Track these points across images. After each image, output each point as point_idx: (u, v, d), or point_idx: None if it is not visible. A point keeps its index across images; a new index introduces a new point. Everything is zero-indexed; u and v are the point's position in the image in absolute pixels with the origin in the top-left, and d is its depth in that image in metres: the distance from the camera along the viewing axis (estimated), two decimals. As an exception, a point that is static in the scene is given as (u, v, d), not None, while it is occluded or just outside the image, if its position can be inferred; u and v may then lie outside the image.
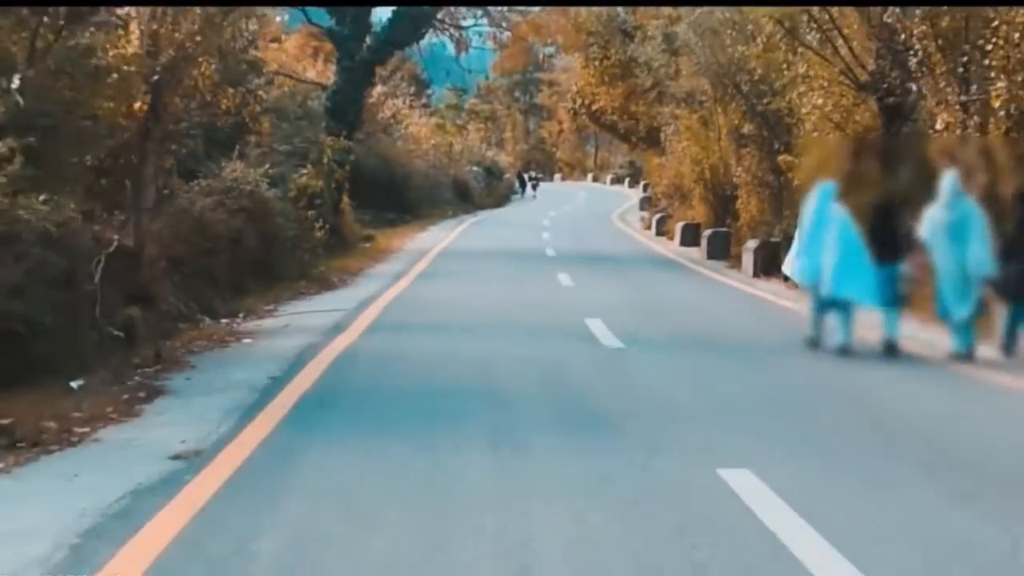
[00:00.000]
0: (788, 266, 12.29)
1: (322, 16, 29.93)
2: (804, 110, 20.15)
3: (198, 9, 13.98)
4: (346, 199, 28.78)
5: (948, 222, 10.81)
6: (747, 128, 26.16)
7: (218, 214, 16.97)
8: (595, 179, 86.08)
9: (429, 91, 69.06)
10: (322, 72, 34.76)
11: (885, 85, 17.54)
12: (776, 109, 23.19)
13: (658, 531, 5.45)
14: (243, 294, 16.50)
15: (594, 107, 42.14)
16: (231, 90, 15.61)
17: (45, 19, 10.68)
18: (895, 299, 11.08)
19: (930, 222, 10.95)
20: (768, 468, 6.44)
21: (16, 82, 7.91)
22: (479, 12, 33.86)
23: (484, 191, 57.57)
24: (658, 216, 37.54)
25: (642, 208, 47.47)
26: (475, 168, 58.45)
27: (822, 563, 4.96)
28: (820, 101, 19.43)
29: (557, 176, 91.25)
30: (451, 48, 36.13)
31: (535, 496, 6.03)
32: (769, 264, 21.05)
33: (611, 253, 28.95)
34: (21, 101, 7.92)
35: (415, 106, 51.57)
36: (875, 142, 17.47)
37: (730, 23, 24.30)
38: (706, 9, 25.63)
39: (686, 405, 8.79)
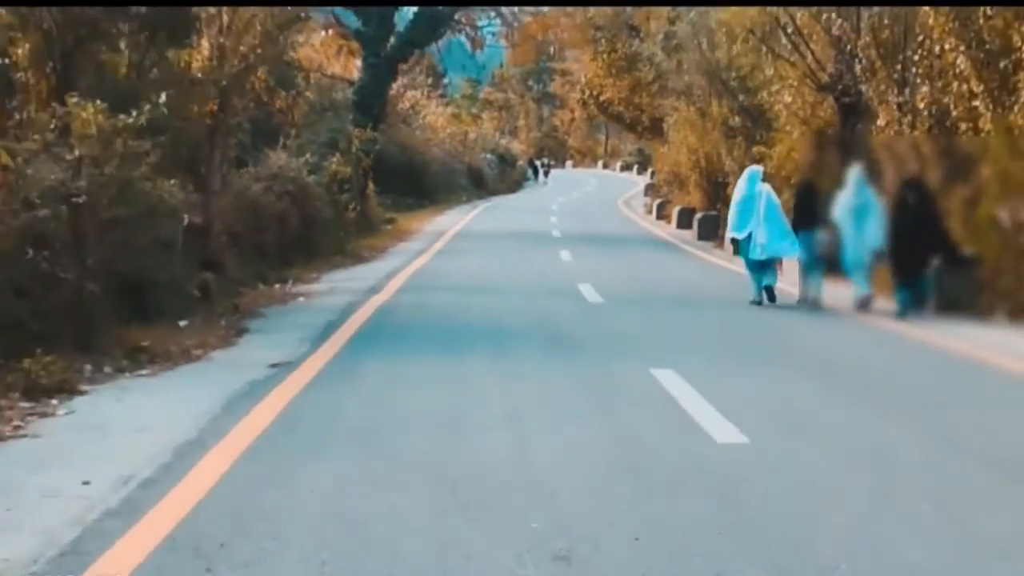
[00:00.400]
0: (728, 232, 15.30)
1: (350, 17, 32.77)
2: (777, 107, 23.02)
3: (259, 25, 16.90)
4: (370, 184, 31.71)
5: (853, 206, 13.78)
6: (734, 121, 28.98)
7: (267, 197, 19.92)
8: (605, 166, 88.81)
9: (445, 81, 71.76)
10: (345, 66, 37.58)
11: (841, 86, 20.35)
12: (757, 104, 26.05)
13: (603, 400, 8.36)
14: (289, 265, 19.42)
15: (602, 98, 44.83)
16: (283, 92, 18.52)
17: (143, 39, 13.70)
18: (814, 259, 14.10)
19: (839, 205, 13.94)
20: (685, 368, 9.34)
21: (163, 97, 10.79)
22: (492, 13, 36.68)
23: (497, 177, 60.36)
24: (659, 201, 40.34)
25: (646, 194, 50.17)
26: (489, 156, 61.24)
27: (708, 420, 7.69)
28: (789, 99, 22.29)
29: (569, 163, 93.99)
30: (467, 45, 38.95)
31: (523, 381, 8.99)
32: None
33: (612, 235, 31.83)
34: (166, 111, 10.81)
35: (432, 97, 54.37)
36: (831, 136, 20.42)
37: (724, 24, 27.05)
38: (702, 10, 28.40)
39: (638, 335, 11.81)
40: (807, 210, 14.27)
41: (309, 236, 21.48)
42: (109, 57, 14.06)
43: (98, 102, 10.06)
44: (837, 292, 14.40)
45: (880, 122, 18.49)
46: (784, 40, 21.69)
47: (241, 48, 16.74)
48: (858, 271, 13.91)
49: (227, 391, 8.66)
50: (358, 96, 31.13)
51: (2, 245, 10.01)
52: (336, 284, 17.28)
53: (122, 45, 14.11)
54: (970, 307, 13.34)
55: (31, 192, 10.25)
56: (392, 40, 32.07)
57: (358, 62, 34.09)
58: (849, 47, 18.99)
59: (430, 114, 51.02)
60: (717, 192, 31.70)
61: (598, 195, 56.72)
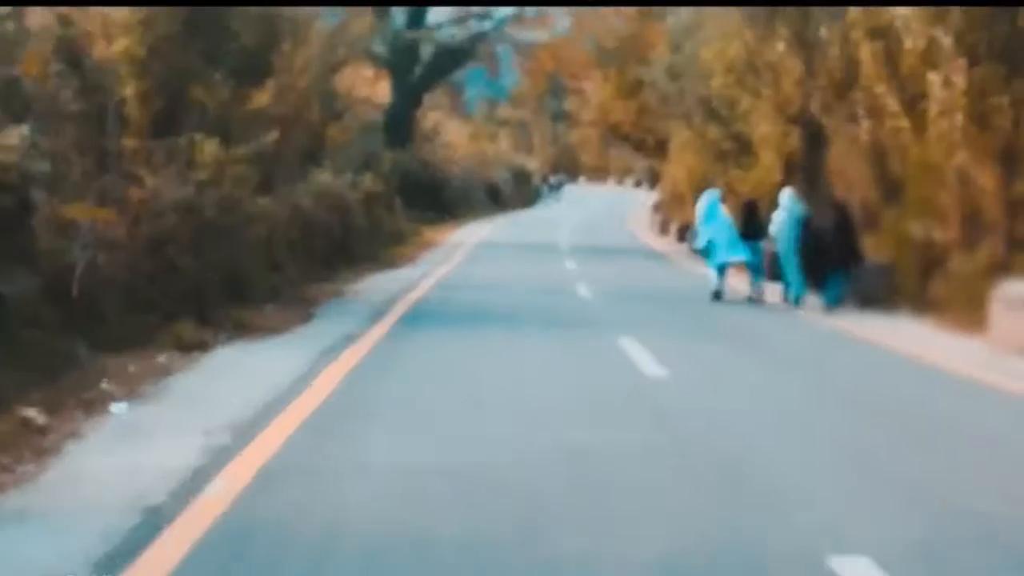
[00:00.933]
0: (696, 243, 18.96)
1: (380, 48, 36.53)
2: (756, 135, 26.58)
3: (313, 68, 20.56)
4: (398, 199, 35.34)
5: (785, 220, 17.32)
6: (725, 145, 32.47)
7: (317, 211, 23.55)
8: (618, 183, 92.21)
9: (464, 98, 75.34)
10: (372, 89, 41.18)
11: (805, 119, 23.87)
12: (742, 131, 29.57)
13: (581, 356, 11.94)
14: (334, 268, 22.98)
15: (611, 119, 48.36)
16: (334, 122, 22.20)
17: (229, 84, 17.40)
18: (758, 263, 17.68)
19: (776, 220, 17.50)
20: (643, 336, 12.91)
21: (269, 136, 14.49)
22: (509, 46, 40.38)
23: (513, 193, 63.77)
24: (660, 217, 43.83)
25: (653, 210, 53.51)
26: (505, 173, 64.69)
27: (646, 365, 11.16)
28: (765, 129, 25.84)
29: (582, 179, 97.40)
30: (486, 73, 42.64)
31: (525, 344, 12.61)
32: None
33: (614, 247, 35.42)
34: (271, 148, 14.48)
35: (452, 117, 58.05)
36: (798, 162, 23.97)
37: (709, 62, 30.57)
38: (698, 42, 31.91)
39: (614, 318, 15.45)
40: (750, 224, 17.91)
41: (349, 244, 25.09)
42: (200, 97, 17.70)
43: (218, 139, 13.66)
44: (777, 290, 18.01)
45: (835, 151, 22.01)
46: (760, 76, 25.22)
47: (299, 86, 20.39)
48: (788, 274, 17.44)
49: (317, 348, 12.23)
50: (389, 120, 34.83)
51: (141, 244, 13.62)
52: (377, 284, 20.88)
53: (210, 87, 17.77)
54: (885, 303, 16.81)
55: (162, 205, 13.88)
56: (418, 70, 35.78)
57: (385, 84, 37.79)
58: (808, 87, 22.52)
59: (450, 133, 54.59)
60: (711, 209, 35.12)
61: (608, 211, 60.26)
